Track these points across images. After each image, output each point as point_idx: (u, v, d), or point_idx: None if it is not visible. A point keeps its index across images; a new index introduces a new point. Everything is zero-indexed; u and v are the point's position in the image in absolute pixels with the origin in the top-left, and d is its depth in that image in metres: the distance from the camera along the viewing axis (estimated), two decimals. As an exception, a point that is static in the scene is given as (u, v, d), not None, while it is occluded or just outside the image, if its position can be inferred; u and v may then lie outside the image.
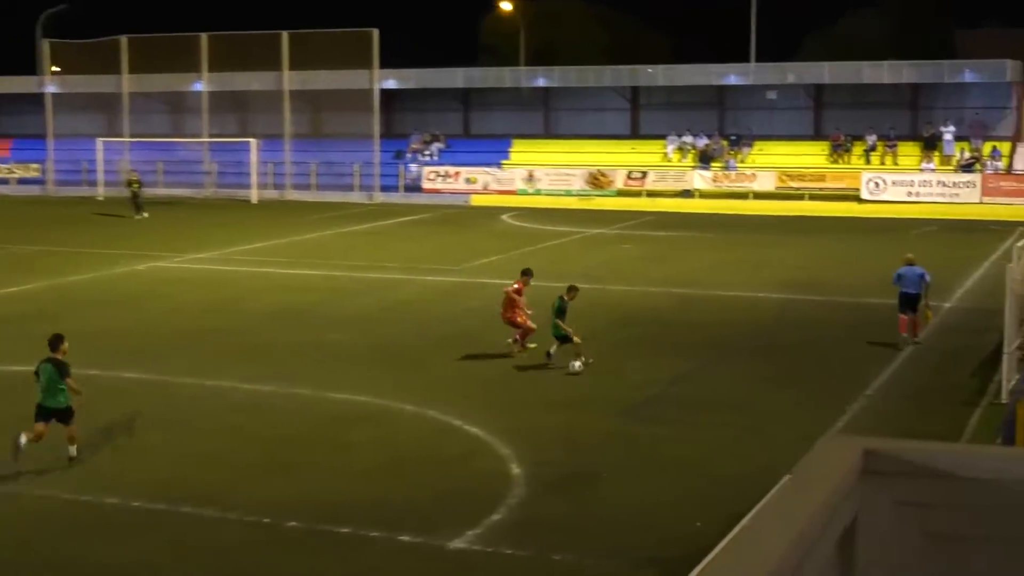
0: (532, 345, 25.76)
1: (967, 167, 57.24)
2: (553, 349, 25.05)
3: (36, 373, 18.78)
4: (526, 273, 26.51)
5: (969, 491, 2.78)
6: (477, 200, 61.05)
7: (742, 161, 61.63)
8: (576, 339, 24.73)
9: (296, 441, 19.81)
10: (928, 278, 26.82)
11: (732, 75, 64.43)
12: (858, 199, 56.01)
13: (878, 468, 2.70)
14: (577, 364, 24.36)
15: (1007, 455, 3.00)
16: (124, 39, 69.71)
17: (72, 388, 18.62)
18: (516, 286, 26.22)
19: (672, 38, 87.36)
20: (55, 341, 18.98)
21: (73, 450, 18.73)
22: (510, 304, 25.93)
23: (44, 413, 18.59)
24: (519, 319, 25.86)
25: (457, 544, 15.23)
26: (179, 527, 15.93)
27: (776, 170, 58.97)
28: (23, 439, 18.14)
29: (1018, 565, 2.82)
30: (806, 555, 2.26)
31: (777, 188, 58.05)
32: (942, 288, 33.10)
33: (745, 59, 65.26)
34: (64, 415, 18.67)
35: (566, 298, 25.34)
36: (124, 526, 16.00)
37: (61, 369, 18.58)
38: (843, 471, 2.55)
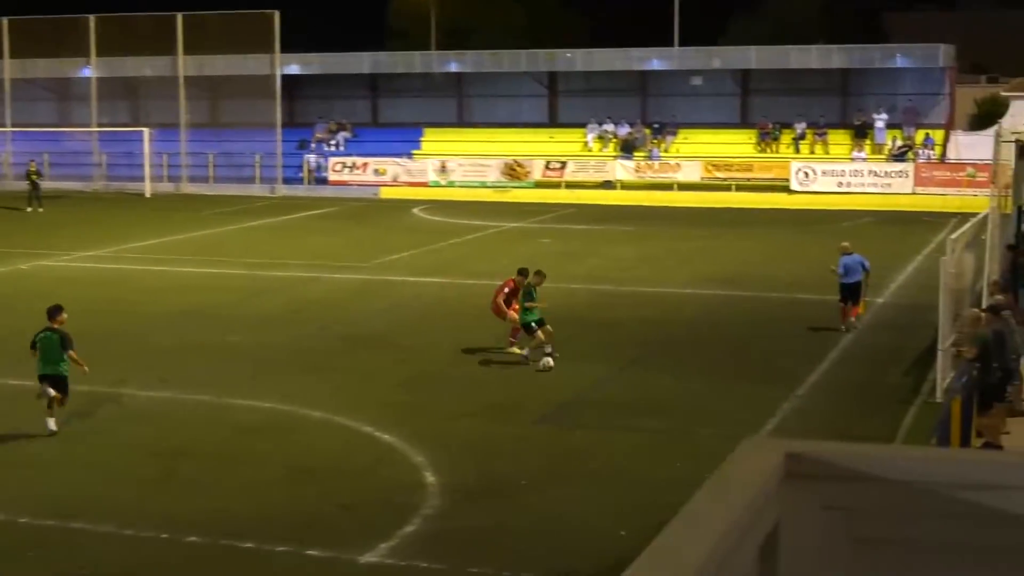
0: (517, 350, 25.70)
1: (899, 156, 58.03)
2: (527, 351, 25.27)
3: (33, 344, 19.43)
4: (521, 273, 26.22)
5: (899, 494, 2.83)
6: (386, 192, 60.91)
7: (666, 150, 62.00)
8: (539, 335, 25.00)
9: (196, 451, 19.69)
10: (867, 265, 28.34)
11: (655, 60, 64.84)
12: (787, 190, 56.58)
13: (802, 471, 2.76)
14: (549, 360, 24.56)
15: (939, 457, 3.07)
16: (5, 21, 68.75)
17: (75, 360, 19.76)
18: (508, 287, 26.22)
19: (591, 20, 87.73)
20: (53, 311, 19.89)
21: (52, 424, 19.80)
22: (507, 295, 26.00)
23: (44, 381, 19.79)
24: (511, 314, 25.76)
25: (369, 558, 15.23)
26: (70, 546, 15.77)
27: (702, 160, 59.39)
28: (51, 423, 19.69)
29: (950, 571, 2.88)
30: (723, 565, 2.32)
31: (703, 179, 58.45)
32: (876, 283, 33.47)
33: (669, 43, 65.75)
34: (61, 385, 19.67)
35: (533, 283, 25.53)
36: (10, 546, 15.81)
37: (64, 340, 19.48)
38: (763, 476, 2.61)
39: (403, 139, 65.93)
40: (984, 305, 22.81)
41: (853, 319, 28.46)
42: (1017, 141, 25.82)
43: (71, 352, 19.80)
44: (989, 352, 19.48)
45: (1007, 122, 37.60)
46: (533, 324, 25.09)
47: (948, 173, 55.82)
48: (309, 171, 63.84)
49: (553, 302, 29.90)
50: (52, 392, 19.87)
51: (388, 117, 70.19)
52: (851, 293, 28.16)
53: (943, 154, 58.39)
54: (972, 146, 55.63)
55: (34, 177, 56.23)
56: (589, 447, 19.89)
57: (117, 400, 22.70)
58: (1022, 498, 2.78)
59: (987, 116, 62.61)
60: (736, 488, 2.50)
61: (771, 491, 2.63)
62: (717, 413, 21.68)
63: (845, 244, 28.98)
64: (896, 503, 2.82)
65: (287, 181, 63.62)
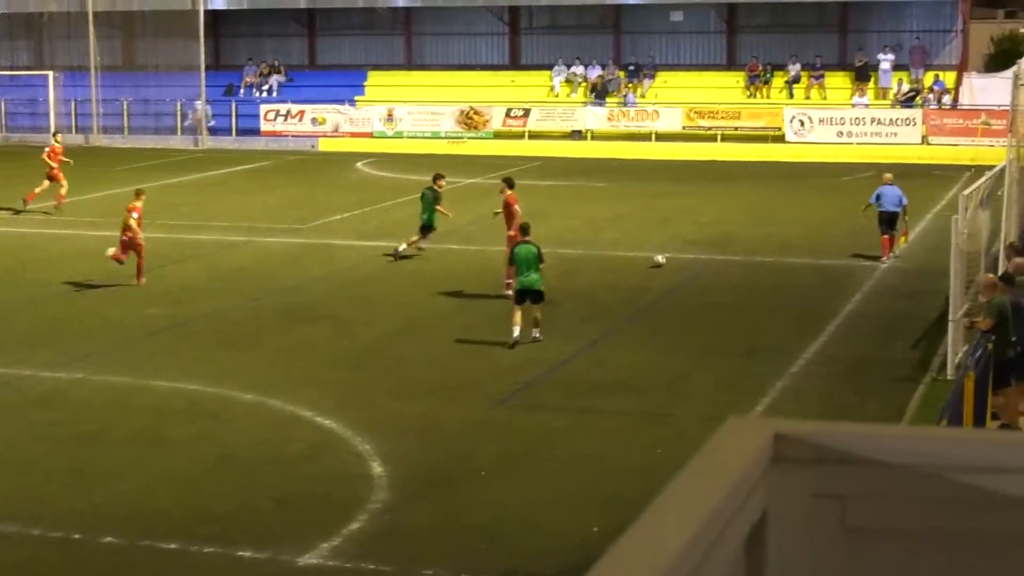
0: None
1: (906, 102, 58.23)
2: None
3: None
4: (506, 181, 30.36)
5: (900, 480, 2.85)
6: (326, 145, 60.70)
7: (642, 96, 62.02)
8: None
9: (110, 439, 19.66)
10: (906, 200, 32.37)
11: (630, -7, 64.77)
12: (780, 140, 56.69)
13: (791, 455, 2.80)
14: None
15: (947, 437, 3.08)
16: None
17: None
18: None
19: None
20: None
21: None
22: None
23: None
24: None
25: (308, 559, 15.27)
26: (-32, 546, 15.74)
27: (683, 106, 59.38)
28: None
29: (955, 563, 2.90)
30: (705, 557, 2.36)
31: (684, 128, 58.49)
32: (878, 245, 33.67)
33: (645, -26, 65.69)
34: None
35: (436, 187, 28.25)
36: (-100, 546, 15.77)
37: None
38: (749, 459, 2.65)
39: (344, 83, 65.64)
40: (1001, 271, 22.99)
41: (888, 256, 32.14)
42: (1038, 84, 25.97)
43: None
44: (1007, 323, 19.63)
45: (1027, 63, 37.66)
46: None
47: (961, 121, 56.06)
48: (201, 123, 63.54)
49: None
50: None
51: (327, 59, 69.88)
52: (888, 222, 32.19)
53: (955, 99, 58.63)
54: (988, 90, 55.83)
55: None
56: (556, 432, 19.96)
57: (17, 383, 22.63)
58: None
59: (1005, 56, 62.83)
60: (719, 472, 2.55)
61: (757, 477, 2.67)
62: (700, 393, 21.79)
63: (888, 175, 33.61)
64: (897, 489, 2.85)
65: (213, 132, 63.31)
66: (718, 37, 65.15)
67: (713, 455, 2.68)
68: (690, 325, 26.52)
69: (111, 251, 30.45)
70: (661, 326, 26.53)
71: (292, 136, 61.94)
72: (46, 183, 41.97)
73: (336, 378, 22.77)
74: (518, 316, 24.68)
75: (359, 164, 54.66)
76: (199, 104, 63.90)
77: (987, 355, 18.82)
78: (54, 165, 42.20)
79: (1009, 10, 77.34)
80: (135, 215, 30.53)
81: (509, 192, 29.76)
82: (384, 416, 20.53)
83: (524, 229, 26.22)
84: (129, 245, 30.32)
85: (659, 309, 28.17)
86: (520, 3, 66.44)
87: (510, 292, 26.27)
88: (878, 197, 32.53)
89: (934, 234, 34.72)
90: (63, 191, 41.91)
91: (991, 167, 31.43)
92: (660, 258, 31.75)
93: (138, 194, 31.63)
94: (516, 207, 29.19)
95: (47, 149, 43.43)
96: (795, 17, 62.93)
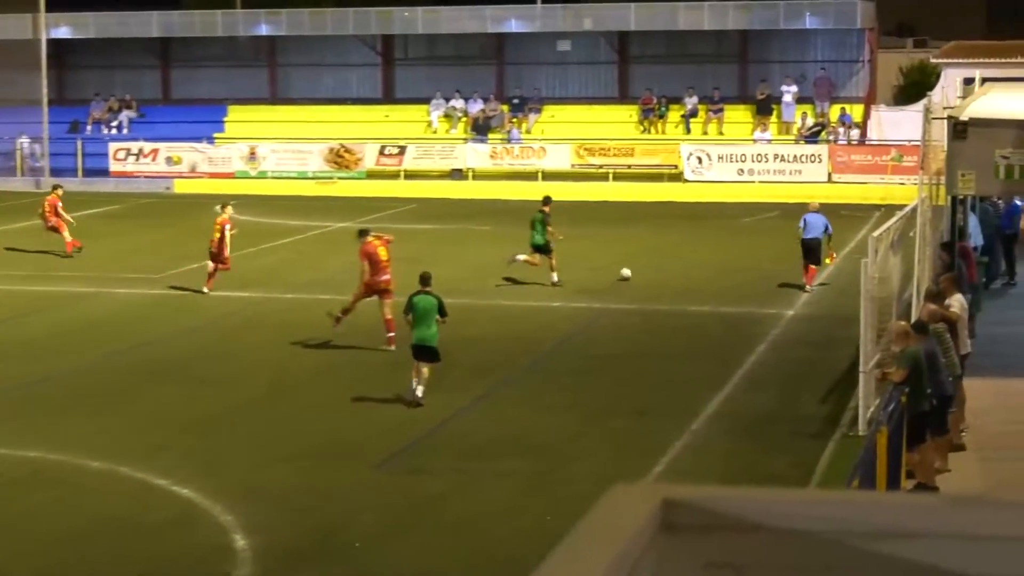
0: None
1: (811, 137, 58.95)
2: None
3: None
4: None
5: (803, 548, 2.86)
6: (182, 186, 60.33)
7: (528, 131, 62.28)
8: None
9: (-57, 514, 19.34)
10: (830, 229, 35.09)
11: (513, 20, 65.06)
12: (677, 178, 57.06)
13: (681, 522, 2.80)
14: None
15: (851, 501, 3.08)
16: None
17: None
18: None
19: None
20: None
21: None
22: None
23: None
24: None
25: (164, 642, 15.09)
26: None
27: (572, 143, 59.68)
28: None
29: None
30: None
31: (574, 166, 58.75)
32: (782, 293, 34.06)
33: (529, 0, 66.06)
34: None
35: (544, 211, 34.79)
36: None
37: None
38: (634, 529, 2.65)
39: (202, 119, 65.37)
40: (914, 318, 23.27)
41: (811, 285, 34.54)
42: (950, 118, 26.31)
43: None
44: (921, 374, 19.84)
45: (938, 95, 38.36)
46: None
47: (869, 157, 56.80)
48: (37, 164, 62.92)
49: (396, 319, 29.93)
50: None
51: (183, 92, 69.56)
52: (810, 251, 34.70)
53: (863, 134, 59.43)
54: (897, 124, 56.73)
55: None
56: (437, 497, 19.91)
57: None
58: (956, 549, 2.81)
59: (915, 87, 63.88)
60: (601, 543, 2.54)
61: (643, 547, 2.67)
62: (594, 453, 21.83)
63: (814, 203, 36.81)
64: (796, 558, 2.85)
65: (57, 172, 62.46)
66: (609, 68, 65.62)
67: (595, 525, 2.67)
68: (583, 379, 26.59)
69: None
70: (553, 380, 26.58)
71: (145, 177, 61.51)
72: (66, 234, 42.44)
73: (194, 442, 22.57)
74: (416, 372, 24.70)
75: (219, 207, 54.27)
76: (23, 141, 63.27)
77: (901, 409, 19.03)
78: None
79: (918, 39, 78.81)
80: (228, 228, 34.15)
81: (369, 239, 29.85)
82: (250, 483, 20.38)
83: (424, 279, 25.77)
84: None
85: (551, 362, 28.22)
86: (395, 31, 66.58)
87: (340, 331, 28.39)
88: (804, 224, 35.04)
89: (843, 278, 35.07)
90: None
91: (902, 206, 31.85)
92: (626, 272, 35.05)
93: (224, 206, 35.40)
94: (372, 256, 29.29)
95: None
96: (691, 47, 63.59)
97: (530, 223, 36.79)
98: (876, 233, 25.49)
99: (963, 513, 2.85)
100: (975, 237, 32.59)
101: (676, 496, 2.74)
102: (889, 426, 17.95)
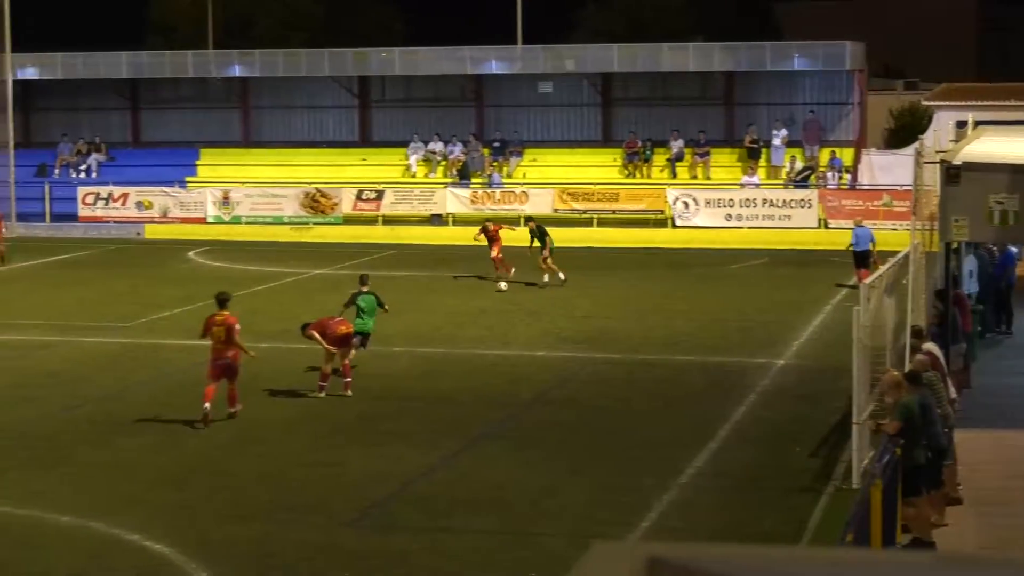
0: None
1: (801, 181, 59.10)
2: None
3: None
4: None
5: None
6: (153, 232, 60.30)
7: (509, 176, 62.33)
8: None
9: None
10: (874, 239, 42.84)
11: (493, 61, 65.26)
12: (663, 224, 57.11)
13: (668, 582, 2.75)
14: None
15: (843, 559, 3.05)
16: None
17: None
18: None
19: (409, 12, 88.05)
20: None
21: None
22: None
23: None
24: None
25: None
26: None
27: (555, 187, 59.74)
28: None
29: None
30: None
31: (556, 211, 58.79)
32: (773, 341, 34.05)
33: (510, 40, 66.22)
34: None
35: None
36: None
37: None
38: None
39: (174, 163, 65.41)
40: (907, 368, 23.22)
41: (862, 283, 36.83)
42: (943, 162, 26.34)
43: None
44: (916, 426, 19.80)
45: (930, 138, 38.48)
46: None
47: (860, 202, 56.88)
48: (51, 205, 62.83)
49: (368, 369, 29.89)
50: None
51: (153, 135, 69.60)
52: (861, 259, 42.19)
53: (854, 178, 59.57)
54: (888, 168, 56.94)
55: None
56: (409, 555, 19.82)
57: None
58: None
59: (906, 131, 64.19)
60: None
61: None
62: (576, 510, 21.72)
63: (859, 218, 45.46)
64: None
65: (23, 218, 62.48)
66: (592, 111, 65.74)
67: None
68: (563, 433, 26.45)
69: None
70: (531, 434, 26.46)
71: (114, 222, 61.44)
72: None
73: (165, 496, 22.46)
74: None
75: (191, 253, 54.32)
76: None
77: (895, 461, 18.97)
78: None
79: (909, 80, 79.24)
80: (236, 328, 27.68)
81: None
82: (220, 538, 20.28)
83: (363, 280, 31.64)
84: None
85: (529, 415, 28.12)
86: (371, 73, 66.70)
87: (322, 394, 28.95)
88: (856, 239, 43.24)
89: (834, 328, 35.11)
90: None
91: (895, 253, 31.89)
92: (503, 285, 36.58)
93: (223, 302, 28.31)
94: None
95: None
96: (675, 89, 63.77)
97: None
98: (868, 280, 25.50)
99: (959, 572, 2.81)
100: (969, 284, 32.63)
101: (662, 554, 2.69)
102: (884, 479, 17.90)
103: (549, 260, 44.22)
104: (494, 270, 44.64)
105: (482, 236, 45.68)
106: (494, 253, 44.86)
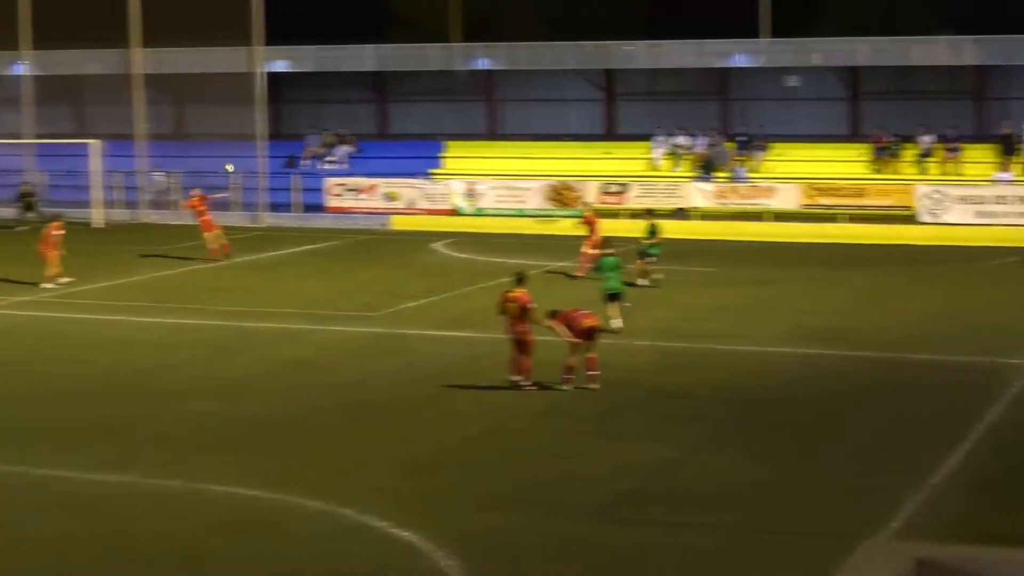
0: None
1: (1055, 178, 57.76)
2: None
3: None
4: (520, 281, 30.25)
5: None
6: (399, 223, 60.86)
7: (754, 170, 61.89)
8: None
9: (156, 553, 19.66)
10: None
11: (738, 55, 64.84)
12: (911, 220, 56.20)
13: (936, 584, 2.80)
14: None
15: None
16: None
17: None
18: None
19: (654, 5, 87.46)
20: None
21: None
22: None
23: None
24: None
25: None
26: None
27: (801, 182, 59.10)
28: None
29: None
30: None
31: (802, 206, 58.19)
32: (1021, 342, 33.32)
33: (755, 34, 65.75)
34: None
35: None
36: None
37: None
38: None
39: (419, 155, 65.88)
40: None
41: None
42: None
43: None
44: None
45: None
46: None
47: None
48: (302, 195, 63.81)
49: (607, 363, 29.91)
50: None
51: (400, 127, 70.35)
52: None
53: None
54: None
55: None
56: (652, 548, 19.84)
57: (51, 485, 22.74)
58: None
59: None
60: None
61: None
62: (822, 507, 21.54)
63: None
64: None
65: (274, 208, 63.32)
66: (839, 105, 65.03)
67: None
68: (803, 430, 26.21)
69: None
70: (770, 431, 26.19)
71: (361, 213, 62.06)
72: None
73: (409, 485, 22.71)
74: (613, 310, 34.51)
75: (436, 244, 54.72)
76: (158, 175, 64.97)
77: None
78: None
79: None
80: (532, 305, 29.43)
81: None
82: (464, 529, 20.41)
83: (606, 242, 37.84)
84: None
85: (769, 411, 27.89)
86: (616, 66, 66.60)
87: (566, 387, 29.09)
88: None
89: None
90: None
91: None
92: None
93: (521, 280, 30.23)
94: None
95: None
96: (922, 83, 62.71)
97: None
98: None
99: None
100: None
101: (931, 555, 2.73)
102: None
103: (646, 265, 43.56)
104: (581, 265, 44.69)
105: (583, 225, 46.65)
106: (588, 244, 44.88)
